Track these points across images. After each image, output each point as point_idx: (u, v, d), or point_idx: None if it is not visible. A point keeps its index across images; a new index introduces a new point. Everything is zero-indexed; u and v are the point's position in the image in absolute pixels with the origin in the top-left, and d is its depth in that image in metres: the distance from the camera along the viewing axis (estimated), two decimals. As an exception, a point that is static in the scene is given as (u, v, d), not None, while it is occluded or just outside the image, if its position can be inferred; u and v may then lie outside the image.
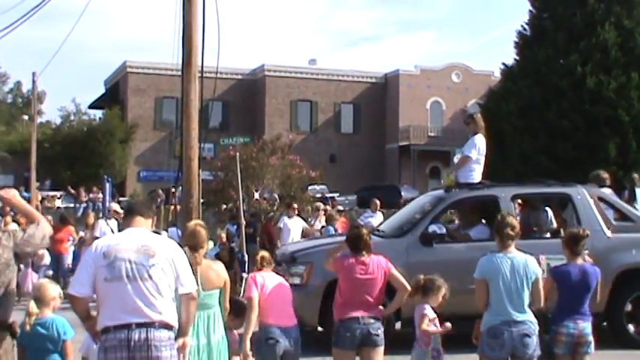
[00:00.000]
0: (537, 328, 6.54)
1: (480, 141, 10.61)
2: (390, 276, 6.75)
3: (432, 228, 9.92)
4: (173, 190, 19.11)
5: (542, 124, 24.72)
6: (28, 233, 5.30)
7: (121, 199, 31.73)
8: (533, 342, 6.47)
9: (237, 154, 19.75)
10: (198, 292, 5.80)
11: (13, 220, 14.29)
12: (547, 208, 11.09)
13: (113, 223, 15.79)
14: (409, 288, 6.77)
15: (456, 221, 12.82)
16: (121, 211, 17.52)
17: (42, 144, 41.92)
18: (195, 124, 12.60)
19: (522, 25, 27.70)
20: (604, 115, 24.10)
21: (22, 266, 13.83)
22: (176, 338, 5.08)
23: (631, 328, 10.01)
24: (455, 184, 11.09)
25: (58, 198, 34.21)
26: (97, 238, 14.55)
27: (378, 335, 6.65)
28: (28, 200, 25.82)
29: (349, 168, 45.51)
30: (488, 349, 6.47)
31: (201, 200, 14.06)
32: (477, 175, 10.59)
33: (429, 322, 6.84)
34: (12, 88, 75.39)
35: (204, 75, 12.90)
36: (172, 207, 20.43)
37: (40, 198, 31.79)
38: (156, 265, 4.98)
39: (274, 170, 24.82)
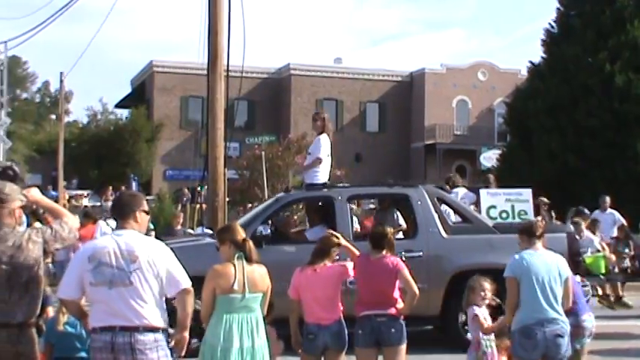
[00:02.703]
0: (569, 328, 6.47)
1: (325, 141, 10.74)
2: (400, 277, 6.73)
3: (260, 229, 9.89)
4: (199, 189, 19.16)
5: (570, 122, 24.48)
6: (55, 229, 5.35)
7: (147, 197, 31.87)
8: (565, 342, 6.40)
9: (263, 152, 19.83)
10: (244, 295, 5.84)
11: (38, 220, 14.37)
12: (396, 210, 11.19)
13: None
14: (417, 291, 6.73)
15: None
16: None
17: (69, 143, 42.30)
18: (220, 123, 12.63)
19: (550, 23, 27.47)
20: (633, 113, 23.82)
21: (51, 266, 13.90)
22: (174, 335, 5.12)
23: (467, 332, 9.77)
24: (301, 184, 11.25)
25: (85, 197, 34.48)
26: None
27: (392, 334, 6.63)
28: (56, 199, 26.04)
29: (375, 167, 45.41)
30: (521, 350, 6.37)
31: (227, 199, 14.10)
32: (322, 175, 10.67)
33: (483, 321, 6.78)
34: (40, 87, 76.19)
35: (230, 74, 12.93)
36: (198, 206, 20.49)
37: (67, 197, 32.04)
38: (137, 270, 4.98)
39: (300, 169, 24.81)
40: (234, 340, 5.76)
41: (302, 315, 6.83)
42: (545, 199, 16.62)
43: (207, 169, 12.61)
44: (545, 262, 6.43)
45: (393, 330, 6.64)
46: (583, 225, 12.91)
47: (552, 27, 27.52)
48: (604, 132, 24.04)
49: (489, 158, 41.06)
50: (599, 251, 12.72)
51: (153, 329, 4.96)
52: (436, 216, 10.04)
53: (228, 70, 12.83)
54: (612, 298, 13.48)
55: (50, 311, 7.05)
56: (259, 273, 6.02)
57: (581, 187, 22.64)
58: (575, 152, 23.91)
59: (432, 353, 9.51)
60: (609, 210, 16.55)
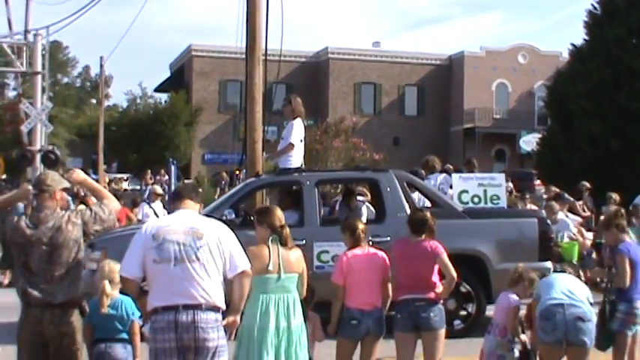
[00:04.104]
0: (594, 317, 6.36)
1: (298, 126, 10.69)
2: (438, 261, 6.70)
3: (226, 213, 9.84)
4: (237, 172, 19.23)
5: (612, 105, 24.05)
6: (94, 211, 5.42)
7: (186, 181, 32.12)
8: (589, 328, 6.25)
9: (301, 136, 19.70)
10: (279, 275, 5.90)
11: (82, 202, 14.54)
12: (361, 204, 11.16)
13: (157, 205, 15.86)
14: (455, 276, 6.70)
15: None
16: (163, 193, 17.74)
17: (109, 127, 42.77)
18: (259, 107, 12.62)
19: (592, 4, 26.98)
20: (678, 96, 23.38)
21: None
22: (226, 316, 5.14)
23: None
24: (274, 169, 11.29)
25: (125, 180, 34.87)
26: (140, 221, 14.78)
27: (430, 318, 6.61)
28: (96, 182, 26.33)
29: (413, 151, 45.13)
30: (541, 333, 6.33)
31: (265, 183, 14.14)
32: (295, 160, 10.64)
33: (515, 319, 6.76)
34: (80, 72, 77.06)
35: (268, 58, 12.91)
36: (236, 189, 20.54)
37: (107, 180, 32.41)
38: (204, 246, 5.02)
39: (338, 153, 24.87)
40: (270, 320, 5.82)
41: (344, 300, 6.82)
42: (586, 184, 16.38)
43: (246, 153, 12.62)
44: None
45: (431, 314, 6.61)
46: (557, 209, 12.78)
47: (595, 8, 27.00)
48: (648, 116, 23.59)
49: (529, 142, 40.61)
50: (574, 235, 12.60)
51: (214, 308, 5.00)
52: (405, 201, 9.94)
53: (266, 54, 12.81)
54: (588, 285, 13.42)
55: None
56: (294, 255, 6.12)
57: (623, 172, 22.29)
58: (618, 136, 23.50)
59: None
60: None
